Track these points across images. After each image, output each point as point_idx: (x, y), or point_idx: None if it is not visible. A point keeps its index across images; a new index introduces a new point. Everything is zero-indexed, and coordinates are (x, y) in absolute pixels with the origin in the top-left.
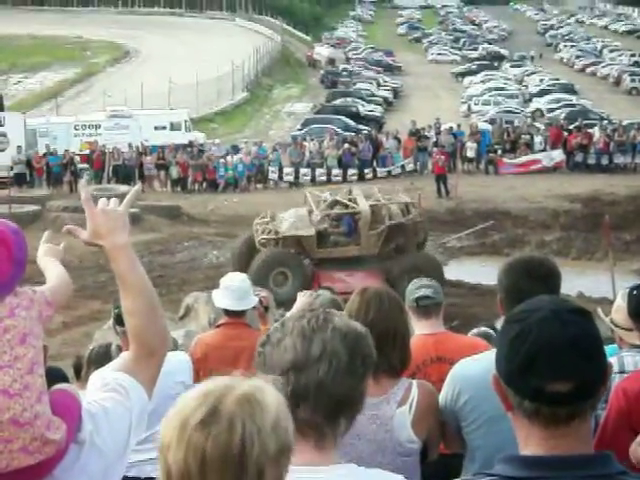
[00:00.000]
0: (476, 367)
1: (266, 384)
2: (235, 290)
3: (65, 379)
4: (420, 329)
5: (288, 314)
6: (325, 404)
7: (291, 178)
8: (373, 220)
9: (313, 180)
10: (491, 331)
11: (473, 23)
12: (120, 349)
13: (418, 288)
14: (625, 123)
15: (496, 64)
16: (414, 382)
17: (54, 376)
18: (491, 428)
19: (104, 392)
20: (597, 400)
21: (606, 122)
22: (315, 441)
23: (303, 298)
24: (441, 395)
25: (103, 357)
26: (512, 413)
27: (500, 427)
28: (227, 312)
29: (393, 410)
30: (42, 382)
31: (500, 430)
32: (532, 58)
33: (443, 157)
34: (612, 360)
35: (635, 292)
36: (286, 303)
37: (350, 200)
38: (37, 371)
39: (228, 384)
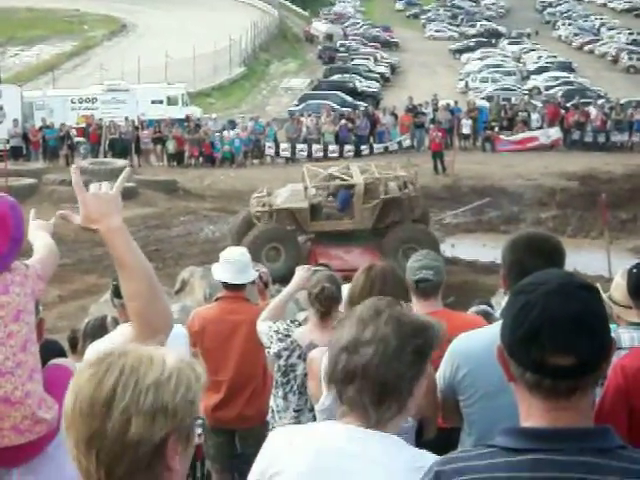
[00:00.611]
0: (475, 342)
1: (177, 351)
2: (234, 263)
3: (62, 352)
4: (418, 308)
5: (285, 289)
6: (370, 387)
7: (288, 154)
8: (368, 195)
9: (310, 156)
10: (490, 309)
11: (471, 0)
12: (116, 321)
13: (419, 269)
14: (622, 101)
15: (494, 41)
16: None
17: (51, 349)
18: (488, 403)
19: None
20: (599, 375)
21: (603, 100)
22: (360, 420)
23: (301, 272)
24: (440, 369)
25: (99, 330)
26: (514, 385)
27: (497, 402)
28: (226, 285)
29: None
30: (34, 360)
31: (497, 405)
32: (528, 35)
33: (440, 134)
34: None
35: (635, 270)
36: (279, 279)
37: (345, 174)
38: (30, 349)
39: (140, 346)
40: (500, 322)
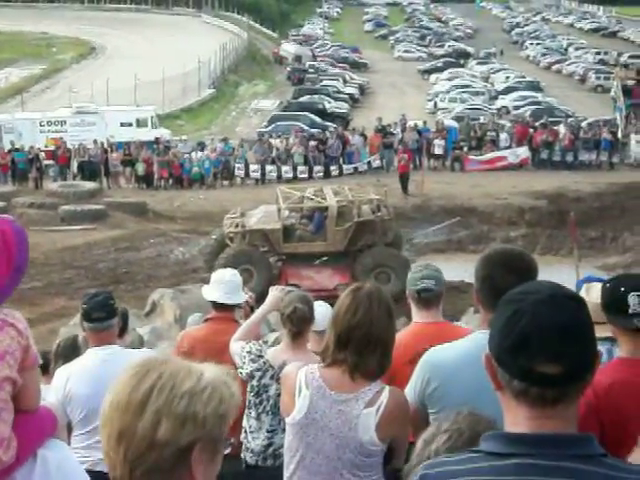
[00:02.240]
0: (446, 355)
1: (226, 371)
2: (226, 284)
3: None
4: (419, 318)
5: (258, 310)
6: None
7: (257, 175)
8: (341, 217)
9: (279, 177)
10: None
11: (439, 20)
12: (87, 342)
13: (421, 279)
14: (590, 120)
15: (462, 61)
16: (387, 387)
17: None
18: None
19: None
20: (585, 385)
21: (571, 119)
22: None
23: (275, 292)
24: (410, 382)
25: (70, 350)
26: (501, 393)
27: None
28: (216, 306)
29: (360, 410)
30: (6, 401)
31: None
32: (494, 55)
33: (406, 156)
34: None
35: (608, 285)
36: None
37: (319, 197)
38: (5, 388)
39: (180, 358)
40: (469, 337)
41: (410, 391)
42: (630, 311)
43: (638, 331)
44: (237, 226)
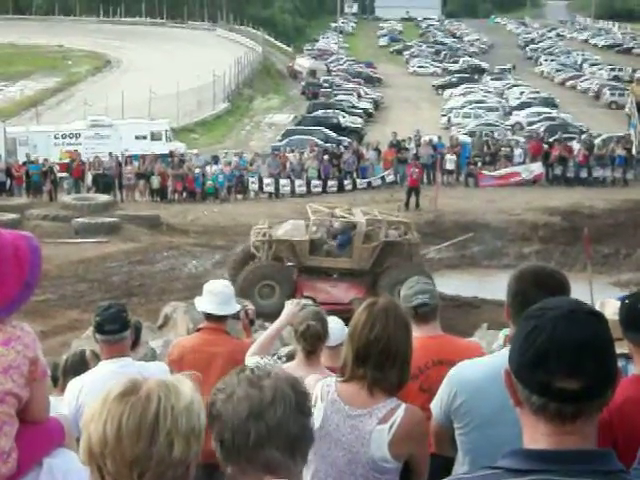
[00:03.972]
0: (473, 371)
1: (185, 379)
2: (217, 294)
3: None
4: (419, 333)
5: (274, 324)
6: (284, 443)
7: (271, 189)
8: (369, 237)
9: (293, 192)
10: None
11: (454, 36)
12: (97, 355)
13: (414, 295)
14: (604, 136)
15: (477, 77)
16: (403, 405)
17: None
18: (483, 432)
19: None
20: (604, 402)
21: (585, 136)
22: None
23: (290, 307)
24: (437, 397)
25: (78, 364)
26: (520, 408)
27: (492, 432)
28: (208, 317)
29: (372, 426)
30: (9, 415)
31: (492, 435)
32: (509, 70)
33: (417, 170)
34: None
35: (627, 301)
36: (270, 315)
37: (348, 214)
38: (9, 402)
39: (149, 377)
40: (499, 352)
41: (436, 405)
42: None
43: None
44: (264, 235)
